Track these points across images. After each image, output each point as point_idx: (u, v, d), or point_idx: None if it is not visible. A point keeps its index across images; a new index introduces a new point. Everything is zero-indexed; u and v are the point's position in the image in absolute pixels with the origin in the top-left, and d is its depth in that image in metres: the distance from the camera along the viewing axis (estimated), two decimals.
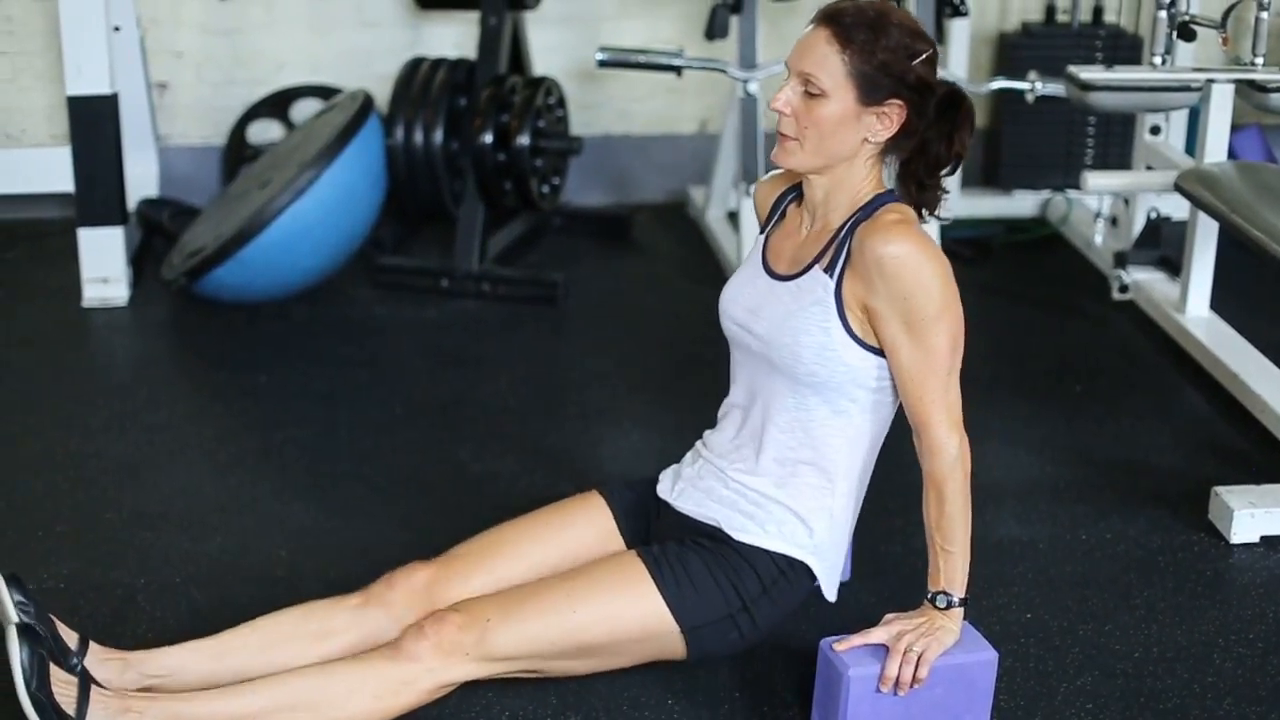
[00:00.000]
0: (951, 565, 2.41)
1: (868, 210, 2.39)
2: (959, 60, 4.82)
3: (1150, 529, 3.16)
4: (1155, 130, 4.31)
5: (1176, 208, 4.25)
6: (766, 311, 2.44)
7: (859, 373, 2.39)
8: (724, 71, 4.44)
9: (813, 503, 2.46)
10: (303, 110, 4.89)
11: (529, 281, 4.33)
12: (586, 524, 2.62)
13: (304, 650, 2.46)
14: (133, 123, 4.55)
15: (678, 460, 2.67)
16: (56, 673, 2.28)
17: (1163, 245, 4.30)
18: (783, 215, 2.55)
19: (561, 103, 4.55)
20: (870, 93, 2.31)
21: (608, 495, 2.65)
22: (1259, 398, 3.54)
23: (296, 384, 3.78)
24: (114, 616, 2.75)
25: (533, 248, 4.75)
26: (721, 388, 2.64)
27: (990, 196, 5.00)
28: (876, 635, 2.41)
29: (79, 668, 2.35)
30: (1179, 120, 4.41)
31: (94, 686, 2.30)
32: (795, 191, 2.54)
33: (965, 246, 4.64)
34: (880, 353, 2.38)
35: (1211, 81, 3.79)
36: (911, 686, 2.36)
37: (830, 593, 2.53)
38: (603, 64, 4.34)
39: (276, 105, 4.92)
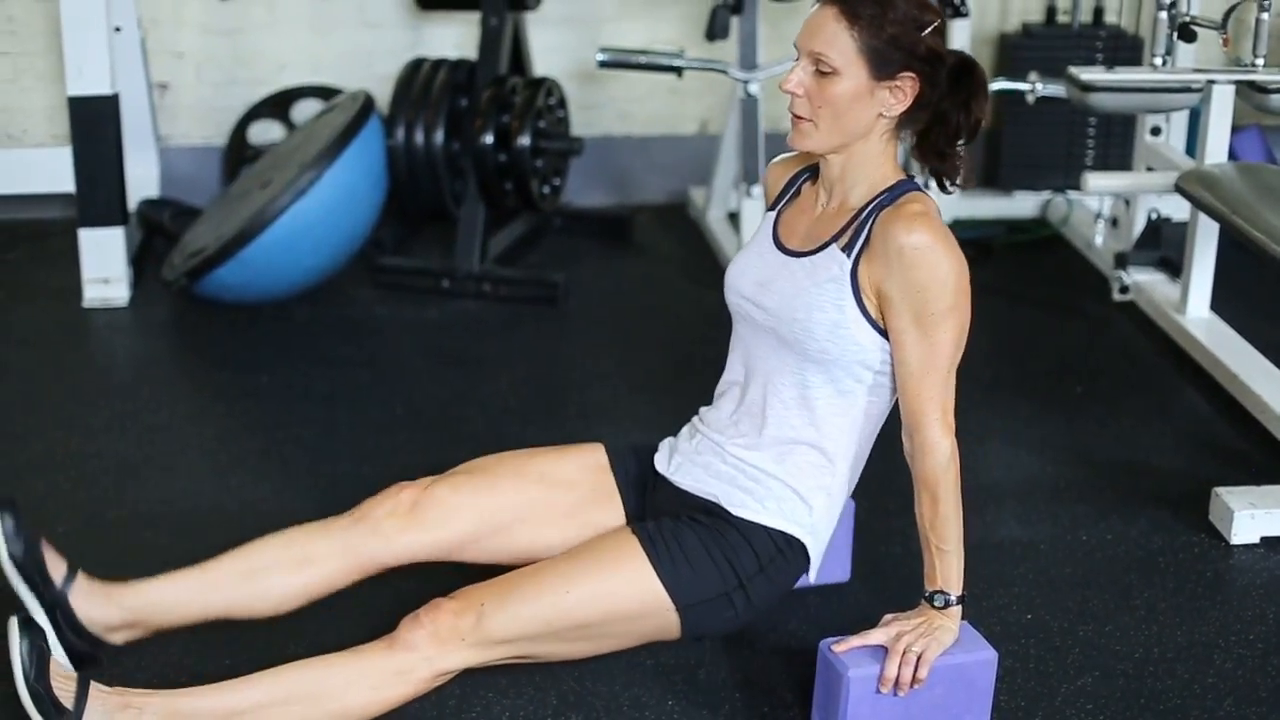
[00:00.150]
0: (947, 564, 2.41)
1: (891, 195, 2.39)
2: None
3: (1151, 530, 3.16)
4: (1156, 131, 4.31)
5: (1177, 209, 4.25)
6: (778, 286, 2.44)
7: (867, 352, 2.39)
8: (724, 72, 4.44)
9: (812, 481, 2.46)
10: (304, 111, 4.89)
11: (530, 282, 4.33)
12: (580, 468, 2.61)
13: (287, 578, 2.49)
14: (134, 123, 4.55)
15: None
16: (56, 668, 2.30)
17: (1163, 246, 4.30)
18: (797, 192, 2.55)
19: (562, 103, 4.56)
20: (882, 67, 2.31)
21: (611, 455, 2.64)
22: (1259, 398, 3.55)
23: (297, 384, 3.78)
24: None
25: (533, 248, 4.75)
26: None
27: (991, 197, 5.00)
28: (875, 636, 2.41)
29: (64, 596, 2.38)
30: (1179, 121, 4.41)
31: (93, 684, 2.31)
32: (810, 171, 2.54)
33: (966, 247, 4.54)
34: (888, 335, 2.38)
35: (1212, 82, 3.79)
36: (911, 687, 2.36)
37: (813, 574, 2.53)
38: (603, 65, 4.34)
39: (277, 106, 4.92)
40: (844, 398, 2.44)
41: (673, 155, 5.18)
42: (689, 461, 2.56)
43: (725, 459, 2.51)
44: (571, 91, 4.85)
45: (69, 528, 3.06)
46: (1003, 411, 3.67)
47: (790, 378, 2.45)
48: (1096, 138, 4.93)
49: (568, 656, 2.49)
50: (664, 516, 2.51)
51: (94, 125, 4.13)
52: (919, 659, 2.36)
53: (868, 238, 2.37)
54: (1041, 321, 4.29)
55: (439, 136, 4.47)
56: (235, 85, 4.92)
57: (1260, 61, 3.72)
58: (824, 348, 2.39)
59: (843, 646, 2.40)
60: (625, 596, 2.41)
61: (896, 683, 2.36)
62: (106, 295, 4.23)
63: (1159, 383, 3.87)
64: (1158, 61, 3.83)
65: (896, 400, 2.45)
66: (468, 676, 2.44)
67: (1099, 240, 4.59)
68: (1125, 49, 4.81)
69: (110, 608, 2.43)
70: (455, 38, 4.96)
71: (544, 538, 2.56)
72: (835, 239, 2.41)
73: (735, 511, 2.47)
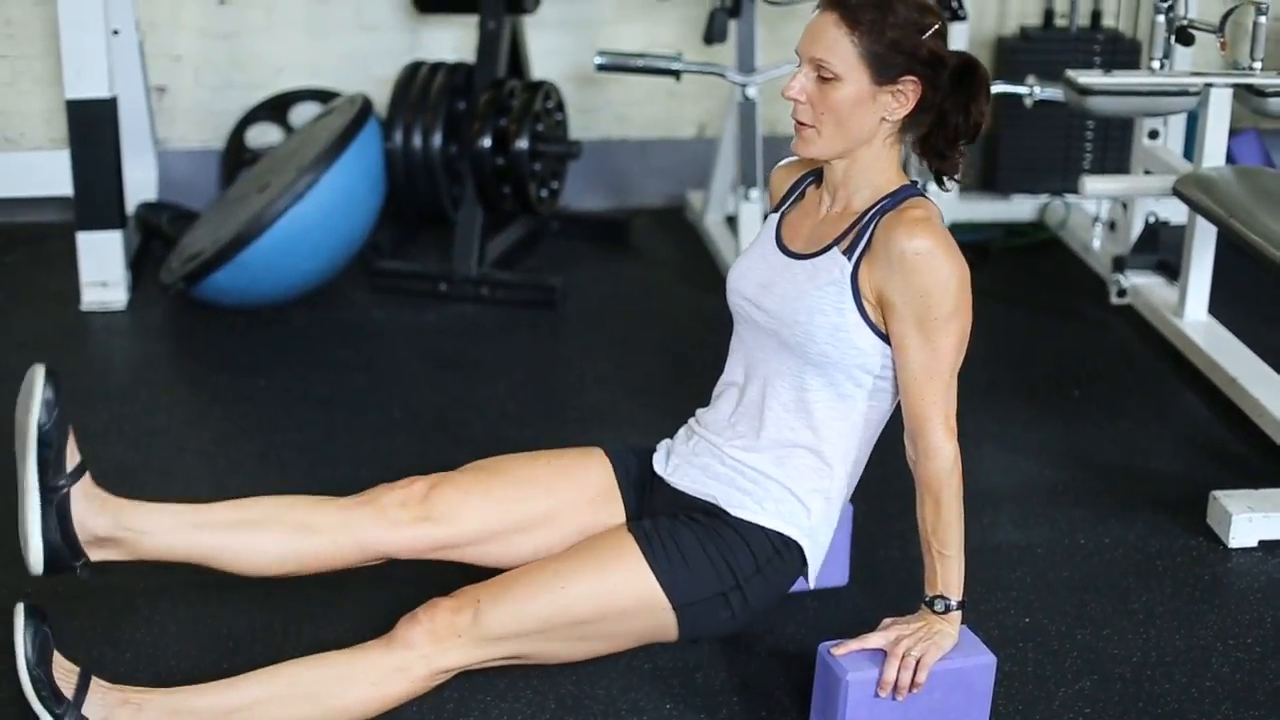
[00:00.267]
0: (948, 569, 2.41)
1: (894, 200, 2.39)
2: None
3: (1148, 533, 3.16)
4: (1153, 134, 4.31)
5: (1175, 212, 4.25)
6: (779, 288, 2.44)
7: (867, 357, 2.39)
8: (722, 76, 4.44)
9: (809, 484, 2.46)
10: (301, 114, 4.89)
11: (527, 285, 4.33)
12: (582, 473, 2.61)
13: (283, 538, 2.47)
14: (131, 126, 4.55)
15: None
16: (60, 660, 2.31)
17: (1161, 249, 4.31)
18: (801, 195, 2.56)
19: (560, 106, 4.56)
20: (883, 72, 2.31)
21: (612, 457, 2.63)
22: (1257, 402, 3.55)
23: (295, 388, 3.78)
24: (112, 620, 2.75)
25: (531, 252, 4.75)
26: None
27: (988, 201, 5.00)
28: (874, 640, 2.41)
29: (66, 490, 2.36)
30: (1177, 125, 4.41)
31: (94, 678, 2.33)
32: (815, 174, 2.54)
33: (964, 251, 4.63)
34: (889, 339, 2.38)
35: (1210, 86, 3.80)
36: (910, 691, 2.36)
37: (812, 579, 2.53)
38: (601, 68, 4.34)
39: (275, 109, 4.92)
40: (843, 402, 2.44)
41: (670, 159, 5.18)
42: (686, 463, 2.56)
43: (723, 460, 2.51)
44: (569, 95, 4.85)
45: None
46: (1000, 415, 3.67)
47: (790, 380, 2.45)
48: (1094, 141, 4.93)
49: (565, 657, 2.49)
50: (661, 516, 2.51)
51: (92, 128, 4.13)
52: (918, 663, 2.36)
53: (869, 242, 2.37)
54: (1039, 325, 4.29)
55: (437, 140, 4.47)
56: (233, 88, 4.92)
57: (1258, 65, 3.72)
58: (824, 351, 2.39)
59: (841, 650, 2.40)
60: (622, 594, 2.41)
61: (895, 687, 2.36)
62: (104, 298, 4.22)
63: (1157, 386, 3.87)
64: (1155, 65, 3.83)
65: (897, 405, 2.45)
66: (466, 680, 2.44)
67: (1097, 244, 4.59)
68: (1123, 52, 4.81)
69: (104, 517, 2.41)
70: (453, 41, 4.96)
71: (545, 544, 2.55)
72: (837, 242, 2.41)
73: (734, 512, 2.47)
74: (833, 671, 2.38)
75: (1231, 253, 3.98)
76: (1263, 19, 3.66)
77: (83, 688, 2.30)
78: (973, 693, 2.43)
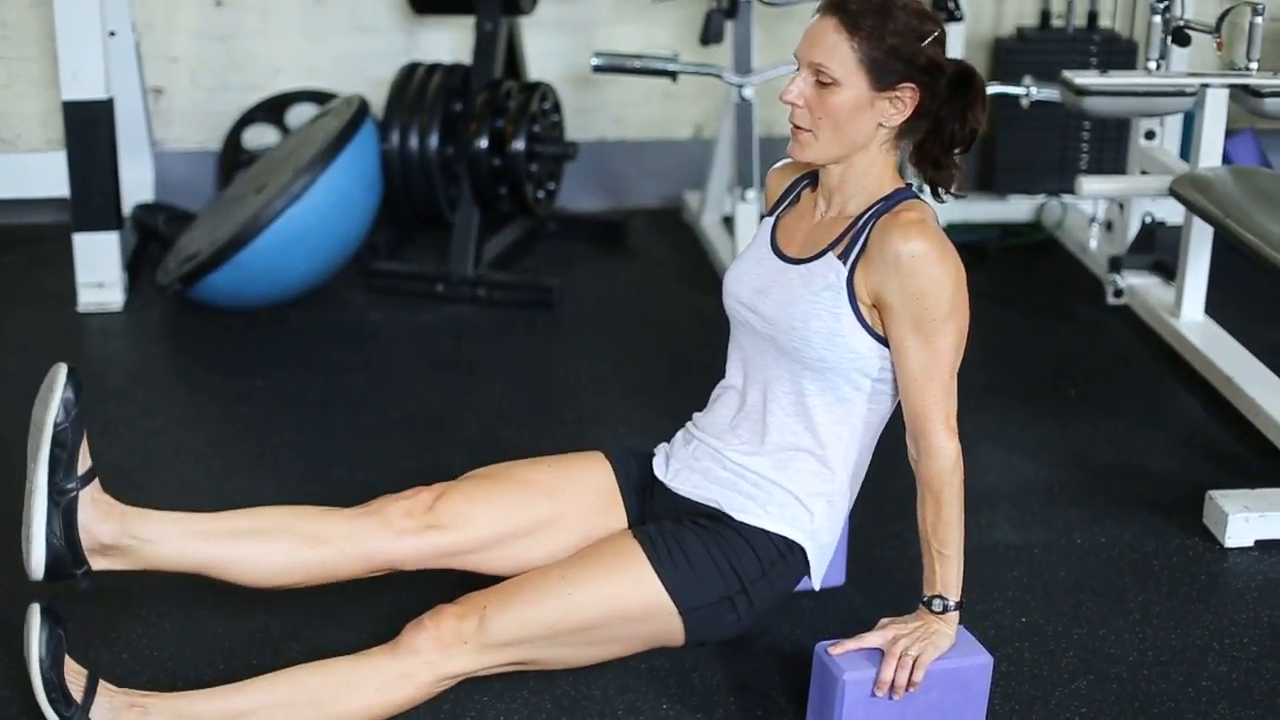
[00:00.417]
0: (947, 569, 2.41)
1: (888, 204, 2.39)
2: None
3: (1145, 533, 3.16)
4: (1150, 135, 4.32)
5: (1171, 212, 4.25)
6: (775, 293, 2.44)
7: (865, 360, 2.39)
8: (719, 76, 4.44)
9: (811, 488, 2.46)
10: (298, 115, 4.89)
11: (524, 286, 4.33)
12: (583, 478, 2.60)
13: (288, 548, 2.46)
14: (128, 128, 4.55)
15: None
16: (69, 663, 2.32)
17: (1157, 250, 4.31)
18: (796, 199, 2.56)
19: (557, 108, 4.56)
20: (882, 78, 2.31)
21: (613, 461, 2.63)
22: (1253, 402, 3.55)
23: (292, 389, 3.78)
24: (109, 622, 2.75)
25: (528, 253, 4.75)
26: None
27: (985, 201, 5.00)
28: (872, 639, 2.41)
29: (75, 494, 2.35)
30: (1174, 125, 4.42)
31: (101, 681, 2.33)
32: (810, 177, 2.54)
33: (960, 251, 4.63)
34: (887, 342, 2.38)
35: (1206, 86, 3.80)
36: (907, 691, 2.36)
37: (816, 582, 2.53)
38: (598, 69, 4.34)
39: (272, 110, 4.92)
40: (842, 405, 2.44)
41: (667, 160, 5.18)
42: (687, 468, 2.56)
43: (725, 465, 2.51)
44: (566, 96, 4.85)
45: None
46: (997, 415, 3.67)
47: (788, 385, 2.45)
48: (1091, 142, 4.93)
49: (571, 663, 2.49)
50: (665, 521, 2.51)
51: (88, 130, 4.13)
52: (915, 663, 2.36)
53: (864, 246, 2.37)
54: (1036, 325, 4.29)
55: (433, 141, 4.46)
56: (229, 90, 4.92)
57: (1254, 65, 3.72)
58: (821, 355, 2.39)
59: (839, 649, 2.40)
60: (628, 599, 2.41)
61: (892, 686, 2.36)
62: (101, 300, 4.22)
63: (1153, 386, 3.87)
64: (1152, 65, 3.84)
65: (897, 406, 2.46)
66: (463, 681, 2.44)
67: (1093, 244, 4.59)
68: (1119, 53, 4.81)
69: (110, 524, 2.39)
70: (450, 42, 4.96)
71: (549, 549, 2.55)
72: (832, 247, 2.41)
73: (737, 517, 2.47)
74: (830, 671, 2.38)
75: (1228, 253, 3.98)
76: (1259, 19, 3.66)
77: (91, 691, 2.31)
78: (969, 692, 2.43)
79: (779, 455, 2.47)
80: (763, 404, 2.48)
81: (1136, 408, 3.75)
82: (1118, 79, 3.82)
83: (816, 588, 2.55)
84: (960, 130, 2.38)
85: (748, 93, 4.46)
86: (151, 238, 4.55)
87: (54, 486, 2.35)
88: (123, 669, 2.61)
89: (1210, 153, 3.85)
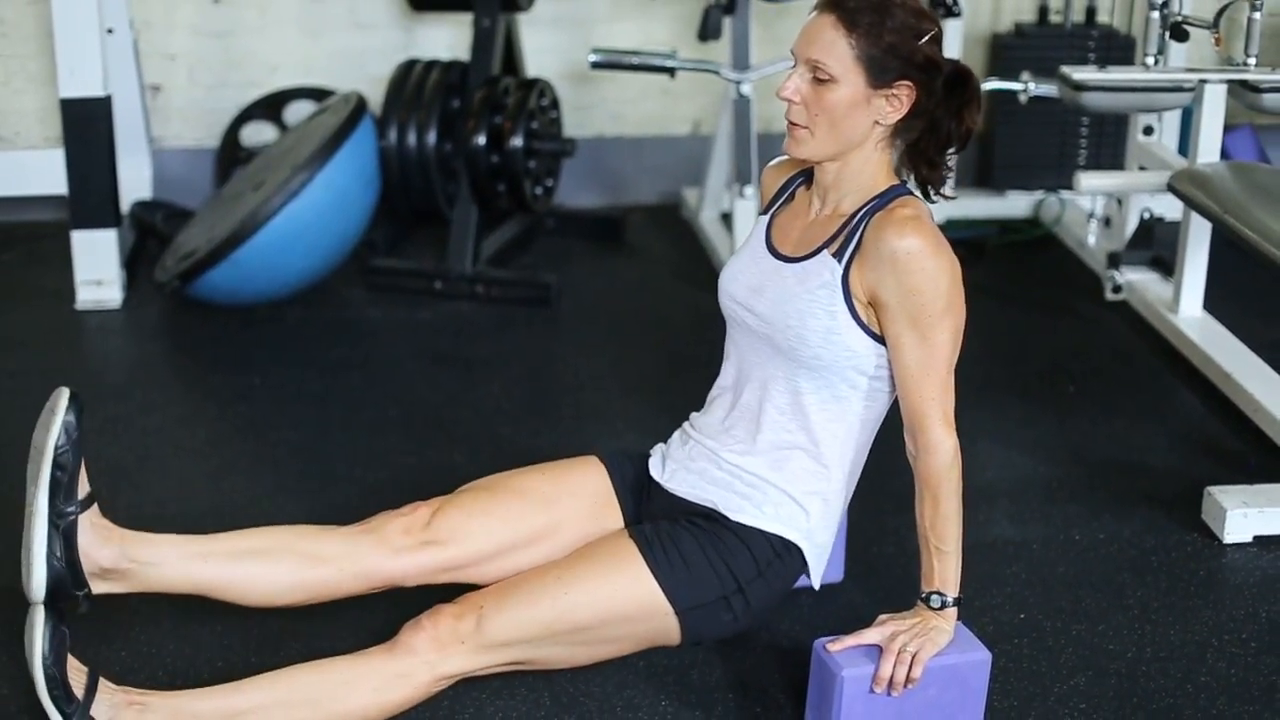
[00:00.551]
0: (945, 565, 2.41)
1: (883, 201, 2.39)
2: None
3: (1144, 529, 3.16)
4: (1148, 130, 4.31)
5: (1169, 208, 4.26)
6: (770, 292, 2.44)
7: (861, 358, 2.39)
8: (717, 73, 4.44)
9: (807, 487, 2.46)
10: (296, 112, 4.89)
11: (522, 283, 4.33)
12: (580, 484, 2.60)
13: (288, 568, 2.46)
14: (126, 125, 4.55)
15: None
16: (71, 661, 2.33)
17: (1156, 245, 4.31)
18: (791, 197, 2.55)
19: (555, 104, 4.55)
20: (879, 75, 2.31)
21: (608, 464, 2.63)
22: (1252, 397, 3.55)
23: (290, 386, 3.78)
24: (107, 619, 2.75)
25: (526, 249, 4.75)
26: None
27: (983, 197, 5.00)
28: (870, 636, 2.40)
29: (75, 518, 2.35)
30: (1172, 121, 4.42)
31: (101, 679, 2.34)
32: (805, 175, 2.54)
33: (958, 247, 4.59)
34: (882, 340, 2.38)
35: (1204, 82, 3.80)
36: (905, 687, 2.36)
37: (816, 581, 2.53)
38: (596, 65, 4.34)
39: (270, 107, 4.92)
40: (838, 404, 2.44)
41: (665, 156, 5.18)
42: (683, 468, 2.56)
43: (720, 465, 2.51)
44: (564, 92, 4.85)
45: None
46: (995, 411, 3.67)
47: (784, 384, 2.45)
48: (1089, 137, 4.93)
49: (568, 663, 2.49)
50: (661, 521, 2.51)
51: (86, 127, 4.13)
52: (913, 659, 2.36)
53: (859, 243, 2.37)
54: (1034, 321, 4.29)
55: (431, 138, 4.47)
56: (227, 87, 4.92)
57: (1252, 61, 3.72)
58: (817, 354, 2.39)
59: (837, 646, 2.40)
60: (624, 599, 2.41)
61: (890, 683, 2.36)
62: (99, 297, 4.22)
63: (1152, 382, 3.87)
64: (1150, 61, 3.84)
65: (894, 403, 2.45)
66: (460, 681, 2.44)
67: (1092, 240, 4.59)
68: (1118, 48, 4.81)
69: (109, 548, 2.39)
70: (447, 39, 4.95)
71: (548, 557, 2.53)
72: (827, 245, 2.41)
73: (733, 517, 2.47)
74: (828, 668, 2.38)
75: (1226, 248, 3.97)
76: (1257, 14, 3.67)
77: (91, 688, 2.32)
78: (968, 688, 2.43)
79: (774, 454, 2.47)
80: (758, 403, 2.48)
81: (1135, 404, 3.75)
82: (1116, 74, 3.83)
83: (816, 586, 2.55)
84: (955, 130, 2.38)
85: (746, 89, 4.46)
86: (150, 235, 4.55)
87: (54, 510, 2.34)
88: (122, 667, 2.61)
89: (1208, 148, 3.85)
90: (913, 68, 2.32)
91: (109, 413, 3.60)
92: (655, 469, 2.61)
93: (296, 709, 2.33)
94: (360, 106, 4.21)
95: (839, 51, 2.31)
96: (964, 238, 4.73)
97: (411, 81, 4.53)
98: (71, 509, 2.36)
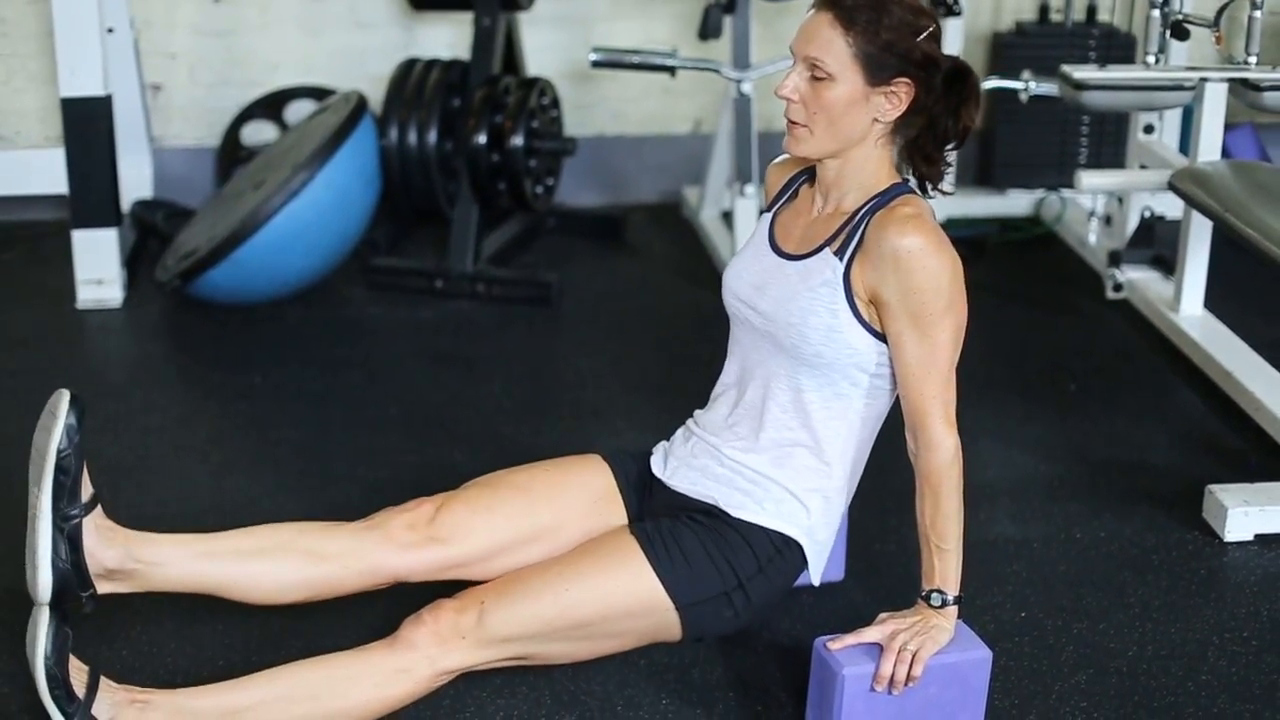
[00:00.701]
0: (946, 563, 2.41)
1: (884, 199, 2.39)
2: None
3: (1144, 527, 3.16)
4: (1149, 129, 4.31)
5: (1170, 206, 4.25)
6: (773, 289, 2.44)
7: (862, 356, 2.39)
8: (718, 72, 4.44)
9: (808, 484, 2.46)
10: (297, 111, 4.89)
11: (523, 282, 4.33)
12: (583, 482, 2.60)
13: (292, 566, 2.46)
14: (127, 124, 4.55)
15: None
16: (73, 660, 2.33)
17: (1157, 244, 4.31)
18: (794, 194, 2.56)
19: (555, 103, 4.55)
20: (877, 73, 2.31)
21: (611, 462, 2.63)
22: (1253, 396, 3.55)
23: (291, 385, 3.78)
24: (108, 619, 2.75)
25: (527, 248, 4.75)
26: None
27: (984, 196, 5.00)
28: (871, 634, 2.40)
29: (79, 521, 2.35)
30: (1173, 119, 4.42)
31: (102, 678, 2.34)
32: (808, 173, 2.54)
33: (959, 246, 4.61)
34: (884, 338, 2.38)
35: (1205, 80, 3.80)
36: (906, 685, 2.36)
37: (816, 578, 2.53)
38: (596, 64, 4.34)
39: (270, 106, 4.92)
40: (840, 401, 2.44)
41: (666, 155, 5.18)
42: (685, 465, 2.56)
43: (722, 461, 2.51)
44: (565, 91, 4.85)
45: None
46: (996, 410, 3.67)
47: (786, 381, 2.45)
48: (1090, 136, 4.93)
49: (569, 658, 2.49)
50: (663, 518, 2.51)
51: (87, 126, 4.13)
52: (914, 657, 2.36)
53: (860, 241, 2.37)
54: (1035, 320, 4.29)
55: (432, 137, 4.47)
56: (228, 86, 4.92)
57: (1253, 59, 3.72)
58: (819, 351, 2.39)
59: (838, 644, 2.40)
60: (625, 595, 2.41)
61: (891, 681, 2.36)
62: (100, 296, 4.22)
63: (1153, 381, 3.87)
64: (1151, 59, 3.84)
65: (895, 401, 2.45)
66: (462, 676, 2.44)
67: (1092, 238, 4.59)
68: (1118, 47, 4.81)
69: (114, 549, 2.40)
70: (448, 38, 4.95)
71: (551, 555, 2.54)
72: (828, 242, 2.41)
73: (734, 513, 2.47)
74: (829, 666, 2.38)
75: (1227, 247, 3.97)
76: (1258, 13, 3.67)
77: (92, 687, 2.32)
78: (968, 687, 2.43)
79: (776, 451, 2.47)
80: (760, 400, 2.48)
81: (1136, 402, 3.75)
82: (1116, 73, 3.82)
83: (816, 583, 2.55)
84: (954, 126, 2.38)
85: (746, 88, 4.46)
86: (150, 234, 4.55)
87: (58, 513, 2.34)
88: (123, 665, 2.61)
89: (1209, 147, 3.85)
90: (911, 65, 2.32)
91: (109, 412, 3.60)
92: (657, 466, 2.61)
93: (298, 705, 2.33)
94: (361, 105, 4.21)
95: (836, 49, 2.31)
96: (965, 236, 4.72)
97: (412, 80, 4.53)
98: (75, 511, 2.36)
